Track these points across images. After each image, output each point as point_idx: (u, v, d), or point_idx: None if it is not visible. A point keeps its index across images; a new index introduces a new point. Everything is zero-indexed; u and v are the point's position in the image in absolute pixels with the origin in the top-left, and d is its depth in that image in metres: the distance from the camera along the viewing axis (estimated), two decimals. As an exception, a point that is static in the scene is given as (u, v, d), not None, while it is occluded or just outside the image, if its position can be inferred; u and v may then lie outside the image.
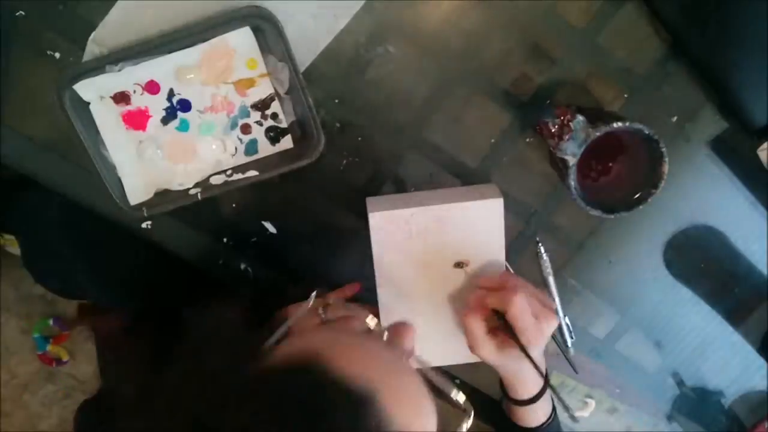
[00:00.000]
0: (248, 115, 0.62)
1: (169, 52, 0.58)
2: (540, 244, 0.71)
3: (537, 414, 0.65)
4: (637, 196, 0.60)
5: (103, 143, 0.60)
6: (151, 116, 0.60)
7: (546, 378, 0.62)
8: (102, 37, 0.58)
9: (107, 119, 0.59)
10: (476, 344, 0.60)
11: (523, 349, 0.57)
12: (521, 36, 0.62)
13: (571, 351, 0.75)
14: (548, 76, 0.64)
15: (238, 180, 0.62)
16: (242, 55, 0.59)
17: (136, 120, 0.60)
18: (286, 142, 0.63)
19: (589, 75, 0.64)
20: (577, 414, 0.81)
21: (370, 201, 0.64)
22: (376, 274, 0.64)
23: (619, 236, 0.72)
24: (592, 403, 0.81)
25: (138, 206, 0.62)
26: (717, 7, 0.59)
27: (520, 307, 0.56)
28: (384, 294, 0.65)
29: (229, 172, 0.63)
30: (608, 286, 0.75)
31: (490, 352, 0.59)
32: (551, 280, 0.72)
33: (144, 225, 0.65)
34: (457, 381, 0.77)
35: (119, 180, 0.61)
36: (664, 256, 0.73)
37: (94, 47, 0.58)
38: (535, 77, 0.64)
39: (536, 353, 0.59)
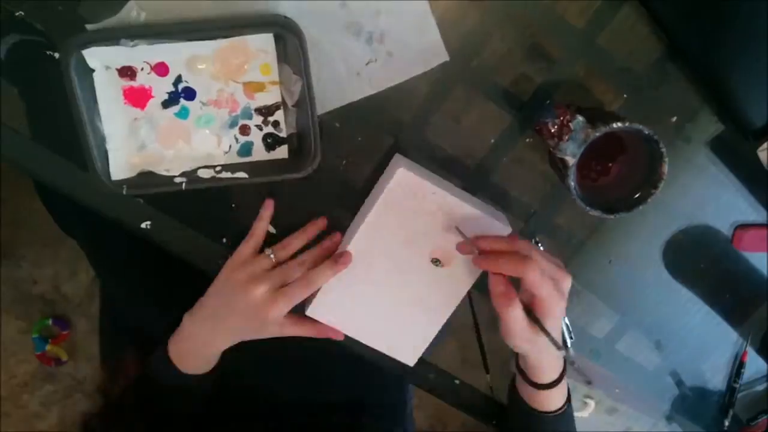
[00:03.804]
0: (250, 118, 0.62)
1: (188, 40, 0.57)
2: (539, 244, 0.71)
3: (557, 398, 0.64)
4: (637, 196, 0.60)
5: (99, 114, 0.58)
6: (153, 97, 0.60)
7: (564, 359, 0.61)
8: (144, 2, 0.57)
9: (108, 90, 0.58)
10: (515, 335, 0.55)
11: (543, 329, 0.53)
12: (520, 36, 0.62)
13: (571, 351, 0.75)
14: (548, 76, 0.64)
15: (226, 179, 0.62)
16: (258, 58, 0.59)
17: (137, 97, 0.59)
18: (281, 152, 0.64)
19: (589, 75, 0.64)
20: (577, 414, 0.81)
21: (400, 158, 0.63)
22: (366, 222, 0.62)
23: (619, 236, 0.72)
24: (592, 403, 0.81)
25: (119, 182, 0.60)
26: (714, 7, 0.59)
27: (540, 272, 0.52)
28: (358, 243, 0.63)
29: (218, 169, 0.62)
30: (608, 286, 0.75)
31: (527, 340, 0.55)
32: (551, 280, 0.72)
33: (144, 225, 0.65)
34: (457, 381, 0.77)
35: (106, 153, 0.60)
36: (664, 256, 0.73)
37: (133, 6, 0.56)
38: (535, 77, 0.64)
39: (559, 324, 0.55)
